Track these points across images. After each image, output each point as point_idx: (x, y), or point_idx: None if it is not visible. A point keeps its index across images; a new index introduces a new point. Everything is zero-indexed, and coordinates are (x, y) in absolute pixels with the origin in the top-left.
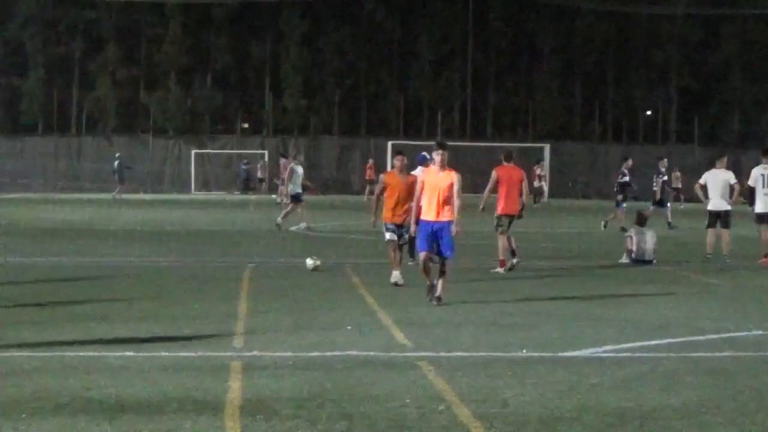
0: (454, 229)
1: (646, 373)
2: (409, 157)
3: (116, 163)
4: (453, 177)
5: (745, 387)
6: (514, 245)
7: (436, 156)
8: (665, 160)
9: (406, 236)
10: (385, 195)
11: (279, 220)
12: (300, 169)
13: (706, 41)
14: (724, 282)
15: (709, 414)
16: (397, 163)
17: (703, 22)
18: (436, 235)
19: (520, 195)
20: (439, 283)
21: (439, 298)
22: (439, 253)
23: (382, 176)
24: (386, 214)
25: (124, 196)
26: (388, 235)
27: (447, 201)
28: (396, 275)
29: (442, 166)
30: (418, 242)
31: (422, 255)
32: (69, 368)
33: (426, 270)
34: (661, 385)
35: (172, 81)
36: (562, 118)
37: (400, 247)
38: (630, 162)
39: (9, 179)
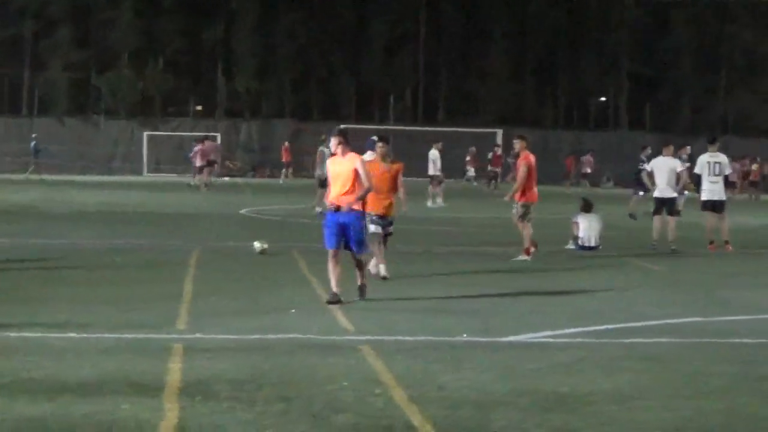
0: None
1: (583, 359)
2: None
3: (33, 144)
4: (356, 162)
5: (680, 373)
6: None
7: (333, 142)
8: (648, 148)
9: (390, 228)
10: None
11: (318, 209)
12: (327, 152)
13: (657, 27)
14: (668, 269)
15: (643, 399)
16: (379, 150)
17: (653, 8)
18: (342, 229)
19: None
20: (359, 274)
21: (362, 288)
22: (347, 248)
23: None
24: (369, 204)
25: (44, 176)
26: (372, 227)
27: (354, 190)
28: (382, 268)
29: (344, 153)
30: (324, 237)
31: (330, 252)
32: (10, 349)
33: (333, 267)
34: (597, 370)
35: (124, 63)
36: (513, 104)
37: (385, 238)
38: (649, 150)
39: None
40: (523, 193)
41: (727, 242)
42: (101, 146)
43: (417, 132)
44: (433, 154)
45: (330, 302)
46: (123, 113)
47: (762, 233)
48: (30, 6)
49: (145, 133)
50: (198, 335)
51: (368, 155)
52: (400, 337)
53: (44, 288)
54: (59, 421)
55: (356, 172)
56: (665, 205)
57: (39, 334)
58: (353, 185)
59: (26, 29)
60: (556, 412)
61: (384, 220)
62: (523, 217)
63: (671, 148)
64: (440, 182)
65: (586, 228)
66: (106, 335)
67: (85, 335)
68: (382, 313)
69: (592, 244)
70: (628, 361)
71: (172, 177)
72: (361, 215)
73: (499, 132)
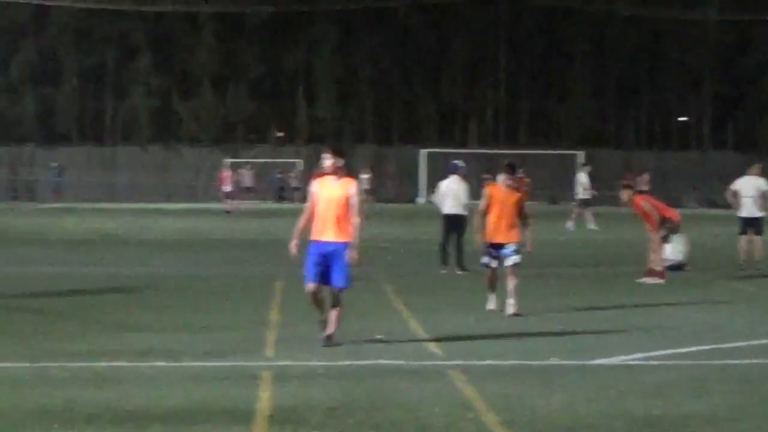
0: (354, 254)
1: (674, 381)
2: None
3: (55, 172)
4: (351, 188)
5: None
6: None
7: (327, 161)
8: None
9: (515, 258)
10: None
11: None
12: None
13: (739, 45)
14: (756, 288)
15: (737, 420)
16: (503, 180)
17: (735, 26)
18: (327, 259)
19: None
20: (333, 317)
21: (329, 338)
22: (328, 283)
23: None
24: (488, 233)
25: (55, 205)
26: (485, 259)
27: (344, 218)
28: (510, 304)
29: (337, 174)
30: (305, 268)
31: (309, 286)
32: (100, 378)
33: (316, 302)
34: (689, 392)
35: (206, 89)
36: (595, 124)
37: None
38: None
39: (44, 189)
40: (666, 216)
41: None
42: (183, 173)
43: (498, 154)
44: (581, 176)
45: (324, 341)
46: (205, 140)
47: None
48: (112, 34)
49: (227, 161)
50: (287, 362)
51: (451, 179)
52: (489, 361)
53: (130, 316)
54: None
55: (349, 201)
56: (751, 225)
57: (127, 364)
58: (344, 215)
59: (108, 57)
60: None
61: (504, 248)
62: (666, 238)
63: (758, 167)
64: (588, 205)
65: (673, 248)
66: (194, 363)
67: (173, 363)
68: (469, 336)
69: (679, 262)
70: (720, 383)
71: (254, 203)
72: (347, 246)
73: (581, 154)
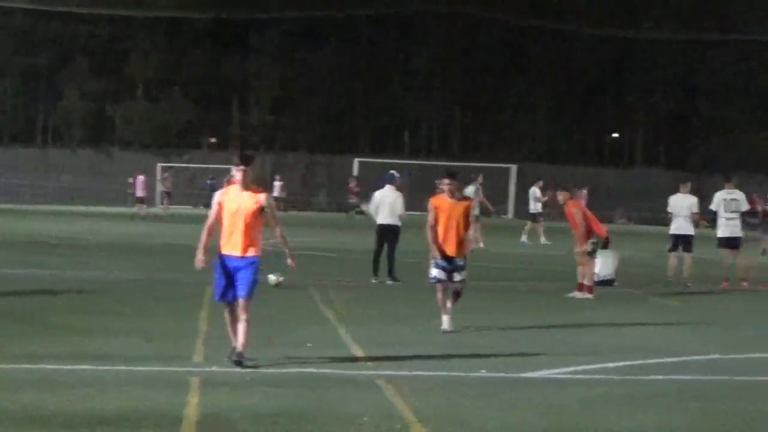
0: (290, 262)
1: (603, 395)
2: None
3: None
4: (261, 198)
5: (700, 410)
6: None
7: (237, 173)
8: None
9: (462, 274)
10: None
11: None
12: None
13: (674, 66)
14: (683, 305)
15: None
16: (446, 188)
17: (670, 48)
18: (235, 274)
19: None
20: (240, 333)
21: (240, 354)
22: (238, 297)
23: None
24: (438, 246)
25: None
26: (434, 272)
27: (253, 231)
28: (445, 320)
29: (245, 185)
30: (214, 285)
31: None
32: (23, 382)
33: (231, 319)
34: (617, 407)
35: (140, 94)
36: (529, 139)
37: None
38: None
39: None
40: (593, 230)
41: (743, 279)
42: (116, 177)
43: (433, 166)
44: (534, 191)
45: (235, 358)
46: (138, 144)
47: None
48: (47, 36)
49: (159, 165)
50: (215, 368)
51: (387, 189)
52: (418, 372)
53: (59, 319)
54: None
55: (259, 211)
56: (682, 242)
57: (56, 366)
58: (253, 227)
59: (43, 59)
60: None
61: (452, 263)
62: (593, 253)
63: (689, 185)
64: (538, 220)
65: (602, 264)
66: (125, 367)
67: (104, 367)
68: (400, 346)
69: (608, 278)
70: (647, 399)
71: (186, 209)
72: (256, 261)
73: (513, 168)
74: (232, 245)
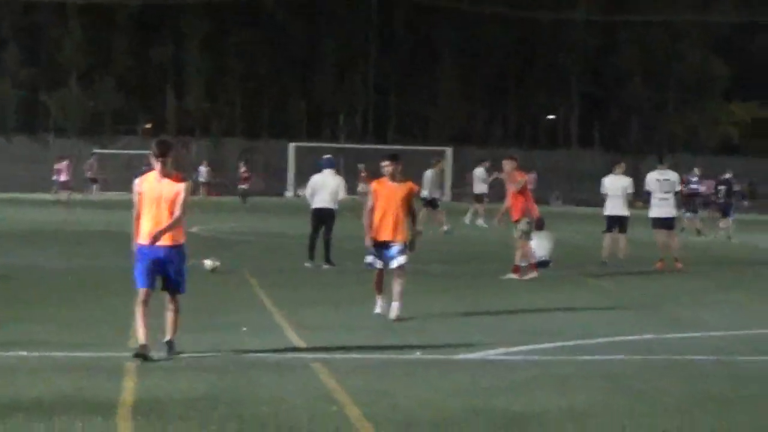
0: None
1: (537, 376)
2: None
3: None
4: (181, 187)
5: (635, 390)
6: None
7: (156, 164)
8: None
9: (402, 258)
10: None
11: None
12: (431, 174)
13: (606, 47)
14: (618, 286)
15: (597, 416)
16: (387, 169)
17: (602, 28)
18: (161, 265)
19: None
20: (171, 322)
21: (170, 344)
22: (165, 288)
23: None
24: (374, 231)
25: None
26: (369, 259)
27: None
28: (379, 303)
29: (164, 173)
30: (136, 273)
31: (142, 291)
32: None
33: (144, 309)
34: (551, 387)
35: (73, 81)
36: (464, 123)
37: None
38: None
39: None
40: (527, 210)
41: (676, 260)
42: (50, 164)
43: (367, 150)
44: (480, 171)
45: (138, 356)
46: (72, 131)
47: (714, 250)
48: None
49: (94, 151)
50: (150, 353)
51: (326, 174)
52: (353, 355)
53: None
54: None
55: (177, 197)
56: (617, 223)
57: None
58: (173, 212)
59: None
60: (510, 430)
61: (389, 248)
62: (528, 234)
63: (623, 166)
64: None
65: (538, 245)
66: (57, 353)
67: (37, 354)
68: (335, 330)
69: (544, 259)
70: (581, 379)
71: (122, 195)
72: (182, 249)
73: (449, 150)
74: (158, 236)
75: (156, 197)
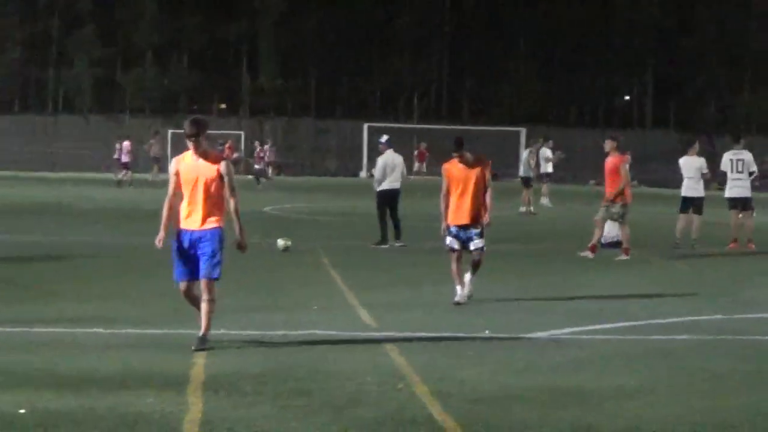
0: (243, 242)
1: (603, 355)
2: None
3: None
4: (220, 167)
5: (699, 369)
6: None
7: (189, 143)
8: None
9: (480, 242)
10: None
11: (522, 208)
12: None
13: (682, 27)
14: (690, 267)
15: (661, 395)
16: (456, 157)
17: (678, 7)
18: (195, 249)
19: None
20: (204, 313)
21: (203, 339)
22: (201, 275)
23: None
24: (450, 214)
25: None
26: (448, 240)
27: (214, 201)
28: (458, 290)
29: (199, 152)
30: (173, 264)
31: (181, 285)
32: (37, 344)
33: (191, 301)
34: (617, 366)
35: (148, 60)
36: (538, 103)
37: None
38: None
39: None
40: (622, 193)
41: (750, 240)
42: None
43: (441, 130)
44: (545, 152)
45: (199, 349)
46: (147, 111)
47: None
48: (55, 3)
49: (170, 131)
50: (222, 331)
51: (391, 153)
52: (422, 333)
53: (70, 284)
54: (85, 414)
55: (219, 177)
56: (692, 204)
57: (64, 330)
58: (217, 195)
59: (52, 26)
60: (575, 407)
61: (467, 231)
62: (623, 217)
63: (696, 147)
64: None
65: (610, 226)
66: (130, 330)
67: (109, 330)
68: (405, 309)
69: (616, 240)
70: (647, 358)
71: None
72: (218, 233)
73: (523, 131)
74: (191, 218)
75: (193, 178)
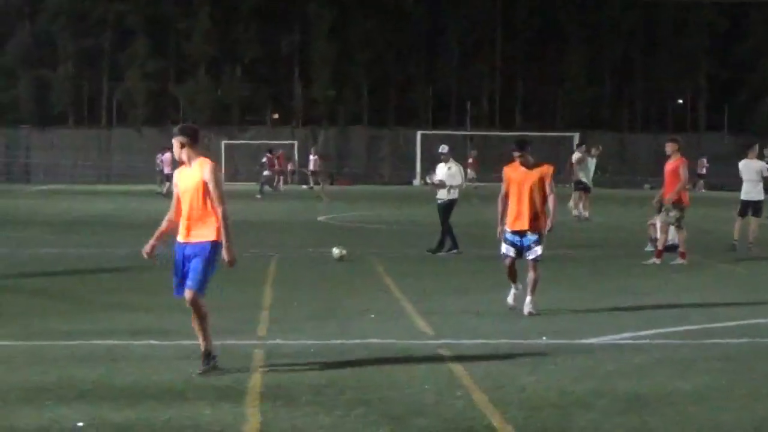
0: (227, 257)
1: (662, 360)
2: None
3: None
4: (205, 171)
5: (759, 373)
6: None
7: (175, 147)
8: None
9: (538, 249)
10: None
11: (575, 212)
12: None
13: (735, 29)
14: (747, 270)
15: (721, 399)
16: (518, 160)
17: (730, 9)
18: (187, 264)
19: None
20: (198, 333)
21: (207, 356)
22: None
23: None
24: (508, 218)
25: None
26: (503, 248)
27: (201, 211)
28: (511, 296)
29: (188, 159)
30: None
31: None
32: (94, 357)
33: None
34: (675, 370)
35: (201, 72)
36: (590, 107)
37: (533, 263)
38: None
39: (40, 171)
40: (680, 196)
41: None
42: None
43: (494, 136)
44: (577, 157)
45: (203, 372)
46: (200, 122)
47: None
48: (108, 17)
49: (223, 142)
50: (278, 341)
51: (440, 167)
52: (479, 341)
53: (125, 296)
54: (143, 426)
55: (205, 185)
56: (751, 207)
57: (120, 342)
58: (204, 204)
59: (104, 40)
60: (635, 412)
61: (524, 238)
62: (680, 220)
63: (756, 149)
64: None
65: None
66: (186, 342)
67: (165, 342)
68: (461, 316)
69: (672, 243)
70: (706, 362)
71: (250, 185)
72: (213, 246)
73: (576, 135)
74: (181, 231)
75: (183, 189)
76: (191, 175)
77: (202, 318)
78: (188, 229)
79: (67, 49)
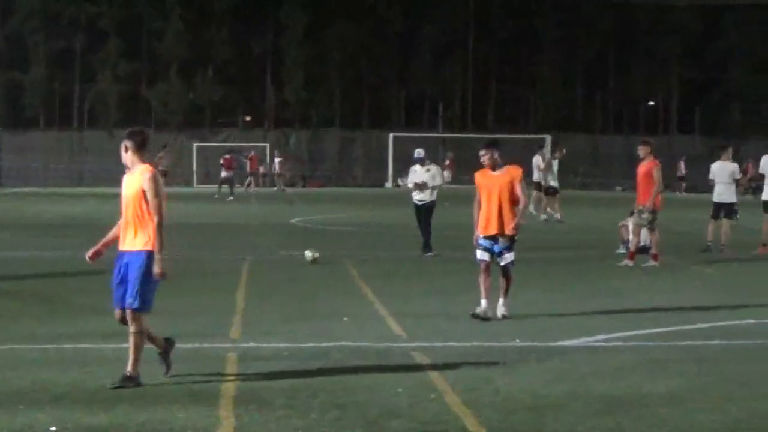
0: (156, 268)
1: (636, 361)
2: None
3: None
4: (143, 178)
5: (733, 374)
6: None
7: (124, 151)
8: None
9: (509, 255)
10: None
11: (544, 216)
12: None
13: (707, 31)
14: (719, 272)
15: (696, 401)
16: (485, 160)
17: (703, 12)
18: (125, 274)
19: None
20: (130, 351)
21: (126, 378)
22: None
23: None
24: (478, 224)
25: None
26: (478, 254)
27: (139, 219)
28: (483, 303)
29: (130, 164)
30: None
31: (116, 312)
32: (66, 360)
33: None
34: (649, 372)
35: (174, 74)
36: (563, 109)
37: (503, 269)
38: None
39: (11, 173)
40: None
41: None
42: (151, 158)
43: (467, 138)
44: (537, 159)
45: (118, 387)
46: (173, 124)
47: None
48: (80, 18)
49: (195, 145)
50: (251, 344)
51: (417, 169)
52: (453, 343)
53: (99, 299)
54: (116, 430)
55: (143, 192)
56: (724, 210)
57: (92, 345)
58: (142, 212)
59: (77, 42)
60: (609, 414)
61: (496, 242)
62: (652, 222)
63: (730, 151)
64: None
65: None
66: None
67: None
68: (434, 319)
69: (645, 245)
70: (680, 364)
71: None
72: (148, 256)
73: (548, 138)
74: (122, 239)
75: (125, 195)
76: (133, 181)
77: (138, 334)
78: (126, 237)
79: (38, 51)
